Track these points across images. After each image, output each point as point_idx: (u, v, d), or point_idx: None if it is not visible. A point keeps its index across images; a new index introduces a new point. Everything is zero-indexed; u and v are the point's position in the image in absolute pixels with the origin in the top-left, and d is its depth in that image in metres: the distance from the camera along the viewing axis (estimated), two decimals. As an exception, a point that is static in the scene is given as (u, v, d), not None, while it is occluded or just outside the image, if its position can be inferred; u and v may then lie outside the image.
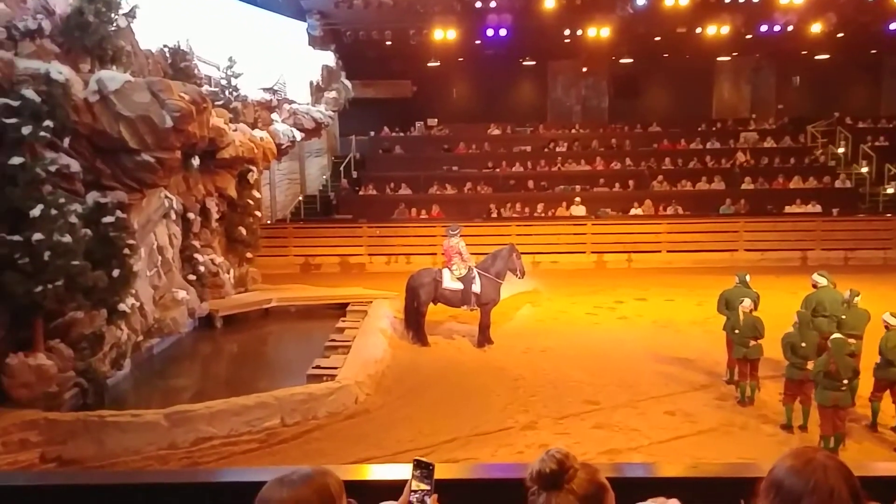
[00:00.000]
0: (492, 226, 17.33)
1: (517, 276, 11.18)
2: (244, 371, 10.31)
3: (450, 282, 10.79)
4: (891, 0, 17.92)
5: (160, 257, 10.70)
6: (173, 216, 11.14)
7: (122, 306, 8.65)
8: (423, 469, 1.93)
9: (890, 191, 19.62)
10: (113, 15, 8.85)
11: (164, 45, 11.50)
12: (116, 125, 8.37)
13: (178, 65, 11.45)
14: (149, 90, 8.57)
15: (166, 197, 10.49)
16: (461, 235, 11.06)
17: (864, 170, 20.59)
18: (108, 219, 8.40)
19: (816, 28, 19.76)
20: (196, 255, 12.06)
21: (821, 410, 6.92)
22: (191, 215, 11.90)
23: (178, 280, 11.33)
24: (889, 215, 18.17)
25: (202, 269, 12.09)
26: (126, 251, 8.61)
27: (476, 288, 10.73)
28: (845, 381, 6.78)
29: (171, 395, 8.60)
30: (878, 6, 18.40)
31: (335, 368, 8.91)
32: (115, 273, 8.36)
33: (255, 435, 7.28)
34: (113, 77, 8.36)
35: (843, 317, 8.07)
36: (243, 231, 13.97)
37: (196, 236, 12.32)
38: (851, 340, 7.51)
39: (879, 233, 17.50)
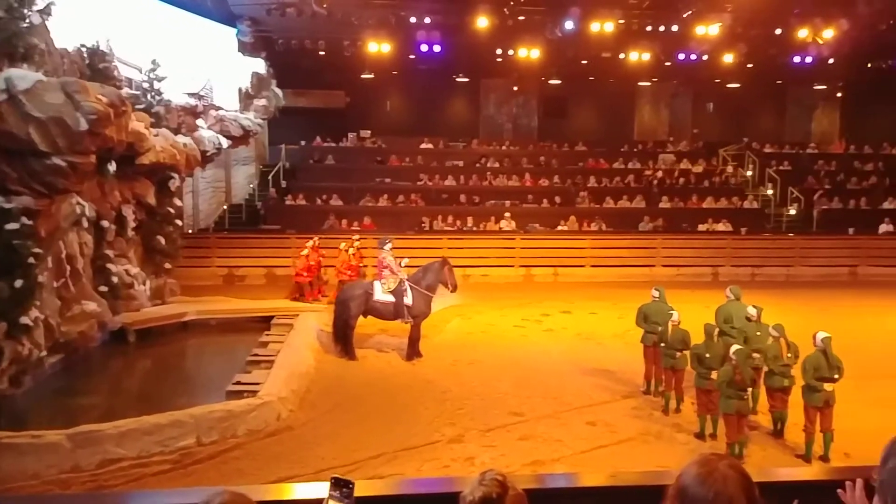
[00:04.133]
0: (423, 238, 17.32)
1: (449, 289, 11.19)
2: (159, 388, 9.85)
3: (381, 294, 10.72)
4: (795, 34, 19.31)
5: (69, 267, 10.09)
6: (85, 224, 10.55)
7: (24, 319, 8.14)
8: (343, 488, 1.88)
9: (792, 212, 20.95)
10: (26, 11, 8.46)
11: (82, 45, 11.02)
12: (25, 126, 7.95)
13: (96, 66, 11.01)
14: (63, 91, 8.19)
15: (78, 203, 9.94)
16: (393, 248, 11.02)
17: (770, 192, 21.94)
18: (13, 225, 7.93)
19: (729, 58, 21.03)
20: (109, 266, 11.47)
21: (725, 418, 7.33)
22: (105, 223, 11.33)
23: (88, 291, 10.71)
24: (791, 235, 19.43)
25: (115, 279, 11.51)
26: (31, 260, 8.12)
27: (408, 300, 10.69)
28: (748, 390, 7.28)
29: (77, 415, 8.06)
30: (784, 40, 19.78)
31: (257, 384, 8.62)
32: (18, 284, 7.88)
33: (167, 455, 6.93)
34: (23, 76, 7.96)
35: (758, 333, 8.33)
36: (162, 240, 13.43)
37: (110, 245, 11.74)
38: (756, 355, 7.92)
39: (783, 251, 18.62)
